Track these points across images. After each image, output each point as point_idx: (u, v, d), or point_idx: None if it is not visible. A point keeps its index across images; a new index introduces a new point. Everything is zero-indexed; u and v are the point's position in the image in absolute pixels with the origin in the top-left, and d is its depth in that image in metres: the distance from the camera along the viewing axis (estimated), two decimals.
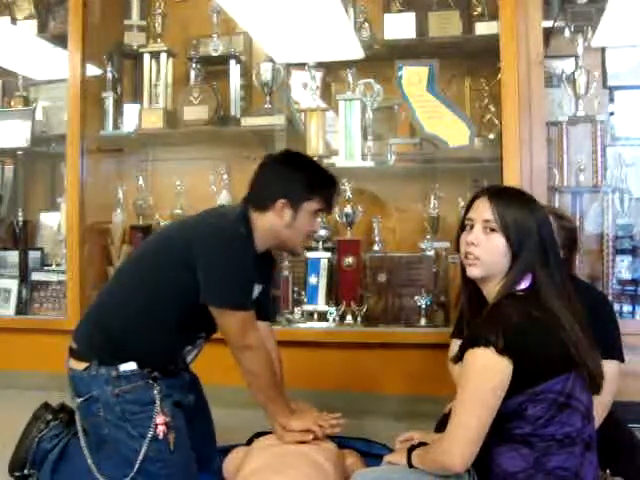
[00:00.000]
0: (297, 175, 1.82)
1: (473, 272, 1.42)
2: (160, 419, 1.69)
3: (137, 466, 1.66)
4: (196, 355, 1.92)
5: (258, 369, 1.75)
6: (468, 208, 1.47)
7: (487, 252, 1.39)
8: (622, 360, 1.78)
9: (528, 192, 1.55)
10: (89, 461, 1.72)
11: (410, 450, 1.44)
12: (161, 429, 1.68)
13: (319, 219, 1.93)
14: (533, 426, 1.30)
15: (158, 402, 1.71)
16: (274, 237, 1.83)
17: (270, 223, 1.80)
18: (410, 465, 1.42)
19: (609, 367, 1.74)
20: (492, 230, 1.39)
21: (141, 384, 1.72)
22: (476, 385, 1.29)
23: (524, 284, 1.38)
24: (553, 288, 1.36)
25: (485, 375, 1.28)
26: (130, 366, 1.72)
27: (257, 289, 1.84)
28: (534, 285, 1.38)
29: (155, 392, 1.72)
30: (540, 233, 1.38)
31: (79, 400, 1.76)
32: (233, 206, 1.97)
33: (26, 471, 1.87)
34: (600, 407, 1.71)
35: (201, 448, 1.85)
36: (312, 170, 1.88)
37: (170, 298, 1.74)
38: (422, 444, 1.48)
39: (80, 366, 1.75)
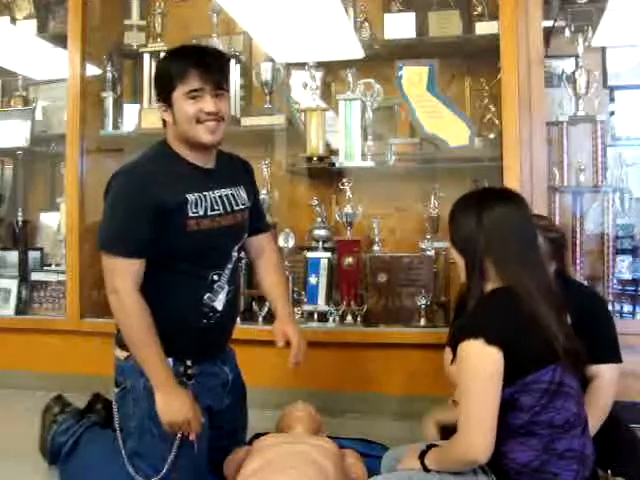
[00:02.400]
0: (162, 67, 1.75)
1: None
2: None
3: (166, 468, 1.64)
4: (229, 300, 1.78)
5: (122, 317, 1.63)
6: None
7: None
8: (620, 361, 1.77)
9: (482, 191, 1.63)
10: (123, 453, 1.69)
11: (421, 455, 1.46)
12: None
13: (203, 99, 1.65)
14: (529, 414, 1.35)
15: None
16: (179, 140, 1.71)
17: (170, 128, 1.72)
18: (425, 469, 1.44)
19: (608, 371, 1.73)
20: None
21: None
22: (474, 375, 1.34)
23: (497, 283, 1.44)
24: (526, 284, 1.40)
25: (480, 364, 1.34)
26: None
27: (219, 192, 1.75)
28: (508, 283, 1.42)
29: (187, 392, 1.66)
30: (488, 237, 1.42)
31: (116, 390, 1.74)
32: None
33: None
34: (599, 410, 1.70)
35: (221, 449, 1.82)
36: (163, 60, 1.80)
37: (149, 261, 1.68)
38: (430, 447, 1.49)
39: (122, 355, 1.73)
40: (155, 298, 1.65)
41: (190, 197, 1.67)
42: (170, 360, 1.67)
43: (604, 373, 1.74)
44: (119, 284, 1.62)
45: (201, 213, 1.69)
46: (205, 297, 1.72)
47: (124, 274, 1.62)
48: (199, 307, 1.71)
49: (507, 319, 1.37)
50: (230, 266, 1.76)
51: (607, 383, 1.73)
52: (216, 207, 1.72)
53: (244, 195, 1.83)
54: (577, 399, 1.41)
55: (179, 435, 1.64)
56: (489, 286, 1.45)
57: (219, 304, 1.74)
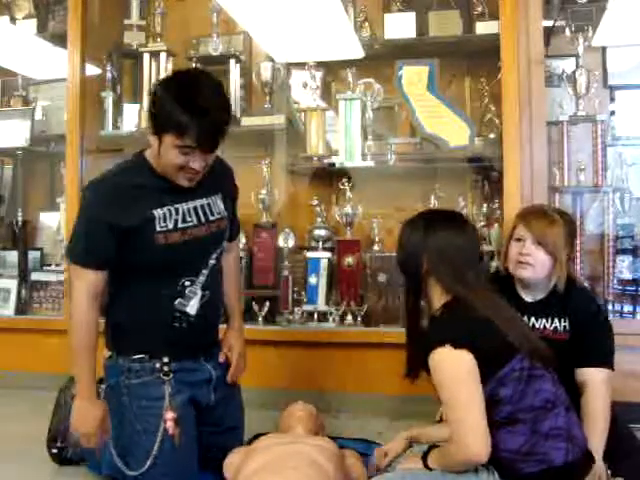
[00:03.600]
0: (162, 103, 1.60)
1: None
2: (169, 415, 1.69)
3: (148, 464, 1.67)
4: (202, 305, 1.78)
5: (70, 322, 1.70)
6: None
7: None
8: (612, 369, 1.74)
9: (431, 211, 1.74)
10: (111, 448, 1.74)
11: (424, 456, 1.49)
12: (170, 425, 1.69)
13: (194, 156, 1.62)
14: (511, 404, 1.40)
15: (167, 398, 1.71)
16: (158, 165, 1.70)
17: (153, 149, 1.69)
18: (427, 468, 1.47)
19: (598, 374, 1.70)
20: None
21: (151, 379, 1.73)
22: (452, 379, 1.39)
23: (444, 298, 1.51)
24: (472, 297, 1.48)
25: (454, 367, 1.39)
26: (141, 361, 1.74)
27: (193, 204, 1.75)
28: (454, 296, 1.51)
29: (165, 387, 1.72)
30: (431, 259, 1.52)
31: (102, 387, 1.80)
32: None
33: (59, 443, 1.96)
34: (599, 414, 1.67)
35: (219, 447, 1.84)
36: (165, 93, 1.61)
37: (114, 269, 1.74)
38: (432, 447, 1.52)
39: (106, 354, 1.81)
40: (127, 302, 1.75)
41: (157, 212, 1.69)
42: (146, 357, 1.74)
43: (594, 376, 1.71)
44: (74, 292, 1.70)
45: (170, 227, 1.70)
46: (176, 302, 1.75)
47: (80, 283, 1.69)
48: (170, 312, 1.75)
49: (466, 324, 1.44)
50: (205, 272, 1.78)
51: (598, 386, 1.69)
52: (189, 219, 1.74)
53: (220, 204, 1.84)
54: (552, 379, 1.46)
55: (161, 429, 1.69)
56: (439, 302, 1.52)
57: (192, 309, 1.76)
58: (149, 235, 1.68)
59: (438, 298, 1.53)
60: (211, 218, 1.79)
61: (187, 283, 1.75)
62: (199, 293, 1.77)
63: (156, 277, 1.72)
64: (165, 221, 1.70)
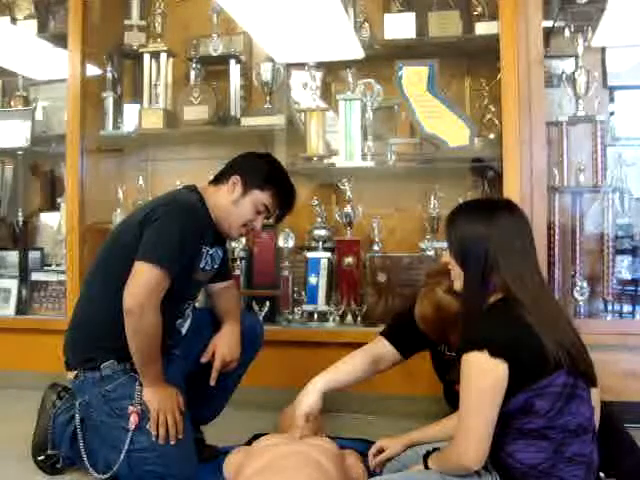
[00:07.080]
0: (261, 165, 1.93)
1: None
2: (130, 409, 1.73)
3: (123, 454, 1.70)
4: (189, 324, 1.98)
5: (147, 331, 1.70)
6: None
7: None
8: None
9: (494, 200, 1.62)
10: (82, 451, 1.79)
11: (425, 456, 1.49)
12: (132, 419, 1.72)
13: (262, 217, 1.93)
14: (544, 419, 1.34)
15: (137, 393, 1.74)
16: (218, 212, 1.90)
17: (220, 196, 1.89)
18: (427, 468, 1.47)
19: (595, 395, 1.56)
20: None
21: (124, 380, 1.77)
22: (475, 387, 1.34)
23: (498, 295, 1.43)
24: (529, 295, 1.39)
25: (482, 376, 1.33)
26: (111, 366, 1.77)
27: (214, 250, 1.94)
28: (512, 295, 1.40)
29: (136, 383, 1.75)
30: (495, 252, 1.41)
31: (77, 403, 1.84)
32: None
33: (49, 451, 1.92)
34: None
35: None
36: (277, 170, 1.97)
37: None
38: (435, 449, 1.52)
39: (70, 376, 1.85)
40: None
41: (203, 251, 1.87)
42: (115, 363, 1.77)
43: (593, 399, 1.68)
44: (154, 301, 1.72)
45: (201, 266, 1.88)
46: (177, 322, 1.93)
47: (158, 287, 1.72)
48: (170, 330, 1.84)
49: (513, 329, 1.36)
50: (194, 301, 2.02)
51: (596, 407, 1.67)
52: (209, 263, 1.93)
53: (221, 254, 2.01)
54: (589, 403, 1.41)
55: (132, 419, 1.72)
56: (491, 298, 1.43)
57: (184, 330, 1.97)
58: (193, 268, 1.85)
59: (495, 294, 1.43)
60: (215, 267, 1.96)
61: (187, 306, 1.95)
62: (191, 315, 1.98)
63: (169, 300, 1.77)
64: (203, 260, 1.88)
